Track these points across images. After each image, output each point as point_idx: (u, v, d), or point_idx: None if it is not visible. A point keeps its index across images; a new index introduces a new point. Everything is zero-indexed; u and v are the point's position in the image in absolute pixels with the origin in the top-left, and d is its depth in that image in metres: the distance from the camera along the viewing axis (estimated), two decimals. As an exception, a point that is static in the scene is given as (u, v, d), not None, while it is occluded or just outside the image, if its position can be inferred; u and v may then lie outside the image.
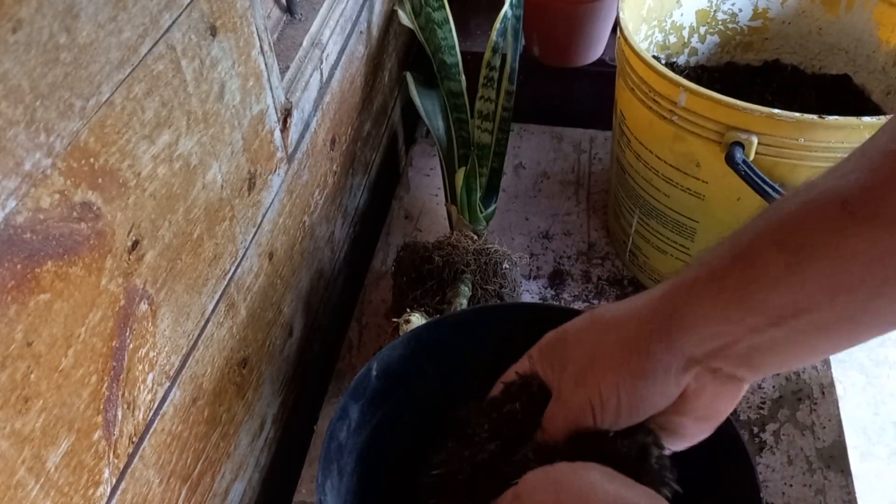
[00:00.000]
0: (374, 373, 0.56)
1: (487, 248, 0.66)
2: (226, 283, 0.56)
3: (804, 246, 0.34)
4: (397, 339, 0.58)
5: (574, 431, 0.44)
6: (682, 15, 0.83)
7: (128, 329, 0.43)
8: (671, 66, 0.85)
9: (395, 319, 0.63)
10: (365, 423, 0.56)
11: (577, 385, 0.44)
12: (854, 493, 0.67)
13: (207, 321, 0.54)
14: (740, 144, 0.62)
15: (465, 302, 0.63)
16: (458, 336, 0.60)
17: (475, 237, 0.69)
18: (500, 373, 0.64)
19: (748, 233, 0.37)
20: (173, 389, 0.50)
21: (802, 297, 0.35)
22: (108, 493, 0.44)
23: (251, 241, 0.60)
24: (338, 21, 0.74)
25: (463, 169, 0.80)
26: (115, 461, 0.44)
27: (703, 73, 0.86)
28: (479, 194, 0.80)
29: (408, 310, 0.63)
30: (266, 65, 0.57)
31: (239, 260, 0.58)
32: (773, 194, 0.62)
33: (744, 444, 0.52)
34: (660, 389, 0.40)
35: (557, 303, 0.82)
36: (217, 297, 0.55)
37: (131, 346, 0.44)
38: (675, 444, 0.45)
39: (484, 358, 0.62)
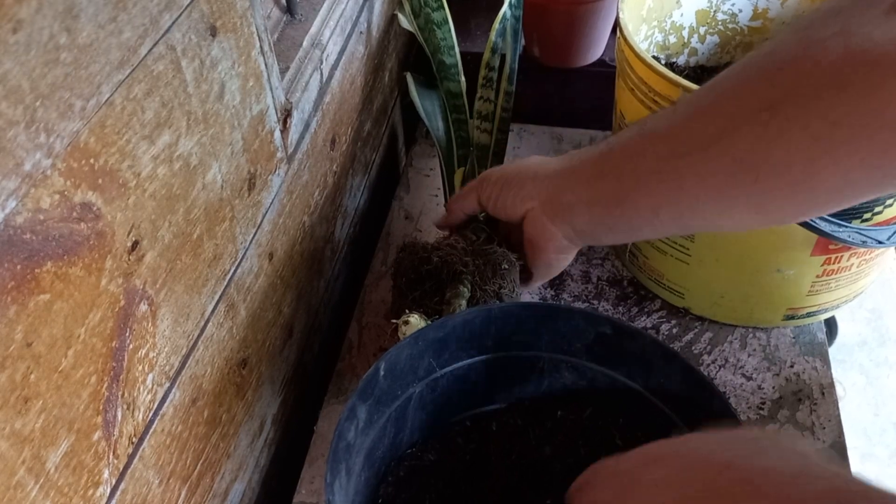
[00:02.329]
0: (381, 373, 0.56)
1: (486, 249, 0.66)
2: (226, 283, 0.56)
3: (615, 145, 0.57)
4: (405, 339, 0.58)
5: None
6: (681, 15, 0.83)
7: (127, 329, 0.43)
8: (671, 66, 0.85)
9: (393, 321, 0.63)
10: (373, 423, 0.57)
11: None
12: (854, 493, 0.67)
13: (207, 322, 0.54)
14: (740, 145, 0.62)
15: (463, 303, 0.63)
16: (465, 336, 0.60)
17: (474, 237, 0.69)
18: (506, 372, 0.64)
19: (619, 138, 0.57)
20: (173, 390, 0.50)
21: (607, 169, 0.56)
22: (107, 494, 0.44)
23: (251, 242, 0.60)
24: (338, 21, 0.74)
25: (462, 169, 0.80)
26: (115, 462, 0.44)
27: (703, 74, 0.86)
28: None
29: (406, 311, 0.63)
30: (266, 65, 0.57)
31: (239, 260, 0.58)
32: (773, 195, 0.62)
33: None
34: (508, 200, 0.63)
35: (557, 303, 0.82)
36: (217, 297, 0.55)
37: (131, 346, 0.44)
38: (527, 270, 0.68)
39: (490, 357, 0.63)
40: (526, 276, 0.68)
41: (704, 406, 0.56)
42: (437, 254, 0.67)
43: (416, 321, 0.61)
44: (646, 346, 0.59)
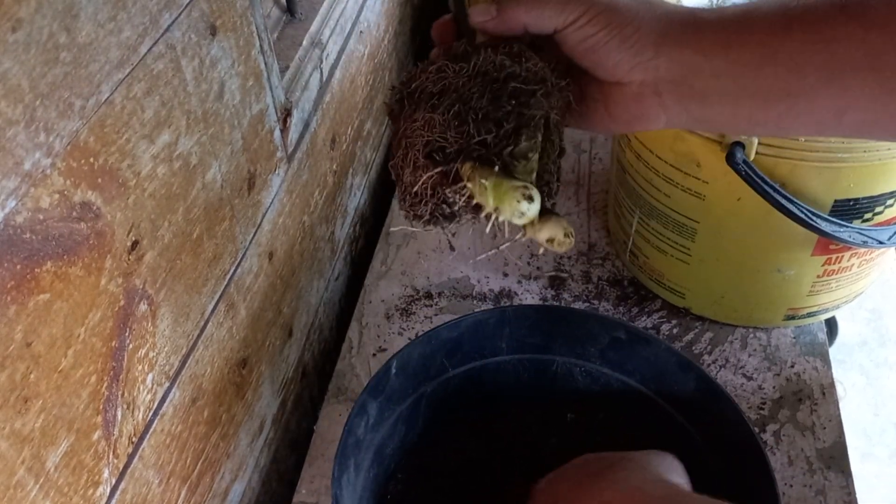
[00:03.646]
0: (393, 370, 0.56)
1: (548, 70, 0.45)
2: (225, 283, 0.56)
3: (797, 18, 0.40)
4: (417, 339, 0.58)
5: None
6: (682, 15, 0.83)
7: (127, 329, 0.43)
8: (671, 66, 0.85)
9: (449, 188, 0.42)
10: (383, 420, 0.57)
11: None
12: (854, 493, 0.67)
13: (207, 321, 0.54)
14: (741, 144, 0.62)
15: (535, 159, 0.43)
16: (478, 337, 0.60)
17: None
18: (518, 374, 0.64)
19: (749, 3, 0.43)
20: (173, 390, 0.50)
21: (782, 53, 0.40)
22: (107, 494, 0.44)
23: (251, 241, 0.59)
24: (338, 21, 0.74)
25: None
26: (115, 461, 0.44)
27: (704, 74, 0.86)
28: None
29: (461, 166, 0.42)
30: (266, 64, 0.57)
31: (239, 260, 0.58)
32: (774, 194, 0.62)
33: (765, 456, 0.52)
34: (613, 49, 0.43)
35: (558, 303, 0.82)
36: (217, 297, 0.55)
37: (131, 346, 0.44)
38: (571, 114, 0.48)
39: (503, 359, 0.63)
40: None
41: (717, 414, 0.56)
42: (503, 59, 0.44)
43: (497, 184, 0.41)
44: (660, 352, 0.59)
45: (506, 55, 0.43)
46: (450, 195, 0.42)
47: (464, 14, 0.46)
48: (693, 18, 0.42)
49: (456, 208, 0.43)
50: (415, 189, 0.43)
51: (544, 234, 0.41)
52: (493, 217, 0.41)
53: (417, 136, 0.43)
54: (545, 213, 0.41)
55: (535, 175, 0.42)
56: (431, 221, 0.45)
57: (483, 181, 0.40)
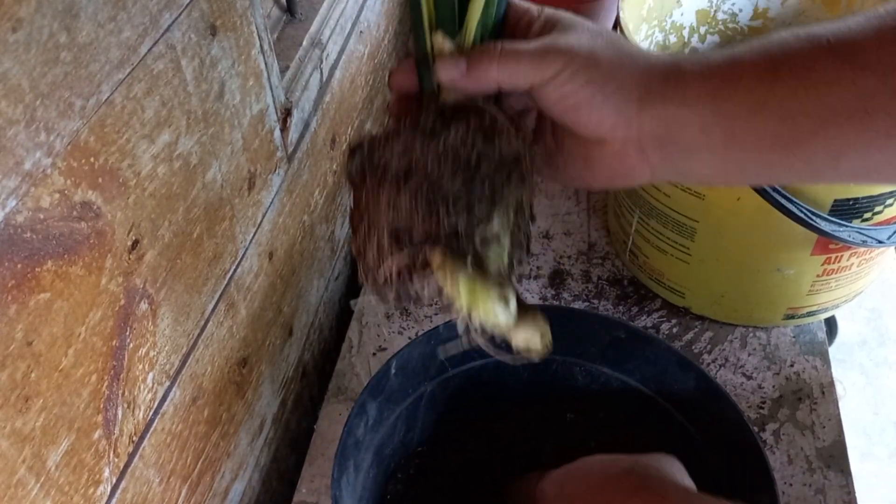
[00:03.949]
0: (393, 370, 0.56)
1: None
2: (226, 282, 0.56)
3: (785, 63, 0.38)
4: (417, 338, 0.58)
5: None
6: (682, 15, 0.83)
7: (128, 328, 0.43)
8: (671, 65, 0.85)
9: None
10: (383, 421, 0.57)
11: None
12: (854, 492, 0.67)
13: (207, 321, 0.54)
14: (740, 144, 0.62)
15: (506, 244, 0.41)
16: None
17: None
18: (518, 373, 0.63)
19: (737, 47, 0.40)
20: (173, 389, 0.50)
21: (772, 101, 0.38)
22: (108, 493, 0.44)
23: (251, 241, 0.60)
24: (338, 21, 0.74)
25: None
26: (116, 460, 0.44)
27: (704, 73, 0.86)
28: None
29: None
30: (266, 64, 0.57)
31: (239, 259, 0.58)
32: (774, 194, 0.62)
33: (764, 455, 0.52)
34: (595, 107, 0.40)
35: (557, 302, 0.82)
36: (217, 296, 0.55)
37: (131, 345, 0.44)
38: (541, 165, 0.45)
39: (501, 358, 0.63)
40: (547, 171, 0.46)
41: (717, 414, 0.56)
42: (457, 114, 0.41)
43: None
44: (660, 352, 0.59)
45: (477, 129, 0.40)
46: (416, 282, 0.40)
47: (427, 64, 0.41)
48: (677, 69, 0.40)
49: (424, 295, 0.41)
50: (379, 271, 0.40)
51: (519, 338, 0.41)
52: (464, 314, 0.40)
53: (382, 216, 0.40)
54: (522, 314, 0.40)
55: (506, 254, 0.41)
56: (397, 303, 0.42)
57: (454, 278, 0.38)
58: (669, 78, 0.39)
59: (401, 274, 0.40)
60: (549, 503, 0.51)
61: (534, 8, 0.42)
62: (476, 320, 0.40)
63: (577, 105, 0.39)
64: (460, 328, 0.41)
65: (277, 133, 0.62)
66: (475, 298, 0.39)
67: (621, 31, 0.70)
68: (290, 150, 0.66)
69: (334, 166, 0.80)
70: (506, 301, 0.39)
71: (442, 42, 0.41)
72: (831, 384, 0.74)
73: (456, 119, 0.40)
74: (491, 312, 0.39)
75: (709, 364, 0.76)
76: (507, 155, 0.40)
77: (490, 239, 0.40)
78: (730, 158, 0.40)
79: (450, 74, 0.41)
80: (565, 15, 0.42)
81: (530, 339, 0.41)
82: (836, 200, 0.64)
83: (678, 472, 0.49)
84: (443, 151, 0.39)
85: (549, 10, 0.42)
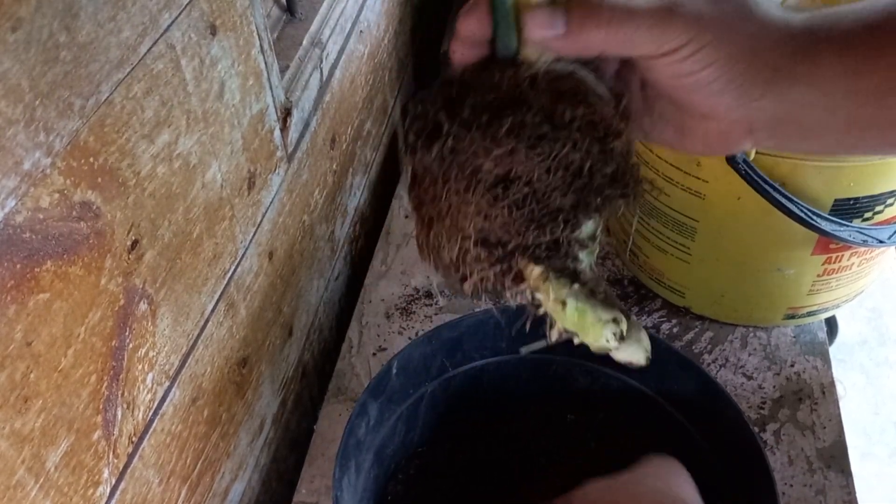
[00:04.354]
0: (394, 371, 0.56)
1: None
2: (225, 282, 0.56)
3: None
4: (417, 339, 0.58)
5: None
6: (682, 14, 0.83)
7: (127, 329, 0.43)
8: (671, 65, 0.85)
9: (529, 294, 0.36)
10: (384, 421, 0.57)
11: None
12: (854, 493, 0.67)
13: (207, 321, 0.54)
14: (741, 144, 0.62)
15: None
16: (478, 336, 0.60)
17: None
18: (519, 374, 0.63)
19: (876, 8, 0.34)
20: (173, 389, 0.50)
21: None
22: (107, 493, 0.44)
23: (251, 241, 0.59)
24: (338, 20, 0.74)
25: None
26: (115, 461, 0.44)
27: (704, 73, 0.86)
28: None
29: (526, 260, 0.35)
30: (266, 64, 0.57)
31: (239, 259, 0.58)
32: (774, 194, 0.62)
33: (765, 456, 0.52)
34: (716, 90, 0.34)
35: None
36: (217, 296, 0.55)
37: (131, 345, 0.44)
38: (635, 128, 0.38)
39: (503, 359, 0.63)
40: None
41: (718, 414, 0.56)
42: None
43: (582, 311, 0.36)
44: (660, 352, 0.59)
45: (589, 128, 0.33)
46: (507, 292, 0.36)
47: (506, 16, 0.34)
48: (810, 39, 0.34)
49: (510, 299, 0.37)
50: (458, 272, 0.36)
51: (622, 355, 0.38)
52: (560, 328, 0.36)
53: (469, 221, 0.34)
54: (627, 332, 0.37)
55: (595, 255, 0.37)
56: (472, 294, 0.37)
57: (558, 298, 0.35)
58: (800, 52, 0.34)
59: (485, 279, 0.36)
60: None
61: None
62: (581, 340, 0.37)
63: (694, 86, 0.34)
64: (550, 333, 0.37)
65: (277, 133, 0.62)
66: (584, 324, 0.36)
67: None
68: (290, 149, 0.65)
69: (334, 166, 0.80)
70: (616, 325, 0.36)
71: None
72: (832, 384, 0.74)
73: (556, 99, 0.33)
74: (601, 339, 0.36)
75: (709, 364, 0.76)
76: (623, 167, 0.35)
77: (584, 241, 0.36)
78: (849, 136, 0.36)
79: (544, 32, 0.33)
80: None
81: (633, 355, 0.38)
82: (836, 200, 0.64)
83: (685, 483, 0.48)
84: (552, 163, 0.33)
85: None
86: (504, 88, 0.33)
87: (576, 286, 0.35)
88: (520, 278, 0.35)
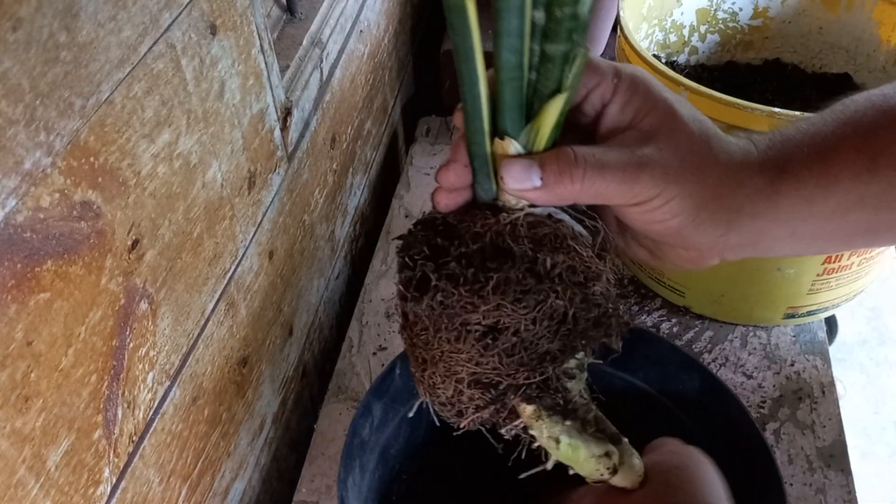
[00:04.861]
0: (397, 371, 0.56)
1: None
2: (226, 282, 0.56)
3: (882, 153, 0.35)
4: None
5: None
6: (682, 14, 0.83)
7: (128, 328, 0.43)
8: (671, 65, 0.85)
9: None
10: (387, 421, 0.57)
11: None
12: (854, 492, 0.67)
13: (207, 320, 0.54)
14: (741, 143, 0.62)
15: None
16: None
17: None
18: None
19: (826, 134, 0.37)
20: (173, 388, 0.50)
21: (869, 196, 0.36)
22: (108, 493, 0.44)
23: (251, 240, 0.60)
24: (338, 20, 0.74)
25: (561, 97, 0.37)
26: (116, 460, 0.44)
27: (704, 72, 0.86)
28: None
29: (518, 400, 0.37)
30: (266, 63, 0.57)
31: (239, 259, 0.58)
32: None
33: (771, 453, 0.52)
34: (683, 233, 0.36)
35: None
36: (217, 296, 0.55)
37: (131, 345, 0.44)
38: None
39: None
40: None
41: (722, 412, 0.56)
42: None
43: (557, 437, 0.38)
44: (663, 351, 0.59)
45: (571, 276, 0.35)
46: (502, 429, 0.38)
47: (485, 168, 0.35)
48: (770, 179, 0.36)
49: (505, 434, 0.39)
50: (457, 409, 0.38)
51: (616, 481, 0.39)
52: (554, 457, 0.38)
53: (461, 366, 0.36)
54: (620, 462, 0.39)
55: (585, 381, 0.39)
56: (470, 428, 0.39)
57: (553, 438, 0.37)
58: (760, 192, 0.36)
59: (481, 416, 0.38)
60: None
61: (609, 73, 0.36)
62: (575, 472, 0.39)
63: (663, 229, 0.37)
64: (546, 462, 0.40)
65: (277, 132, 0.62)
66: (577, 459, 0.38)
67: (622, 30, 0.70)
68: (291, 149, 0.65)
69: (334, 165, 0.80)
70: (609, 459, 0.38)
71: (508, 147, 0.35)
72: (831, 383, 0.74)
73: (537, 247, 0.35)
74: (595, 473, 0.38)
75: (709, 363, 0.76)
76: (605, 309, 0.37)
77: (573, 373, 0.38)
78: (813, 247, 0.39)
79: (521, 184, 0.35)
80: (651, 91, 0.36)
81: (625, 481, 0.39)
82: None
83: (713, 481, 0.44)
84: (538, 314, 0.34)
85: (627, 78, 0.36)
86: (487, 237, 0.35)
87: (568, 423, 0.37)
88: (514, 415, 0.37)
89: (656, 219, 0.36)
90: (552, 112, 0.34)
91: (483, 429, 0.39)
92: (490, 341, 0.35)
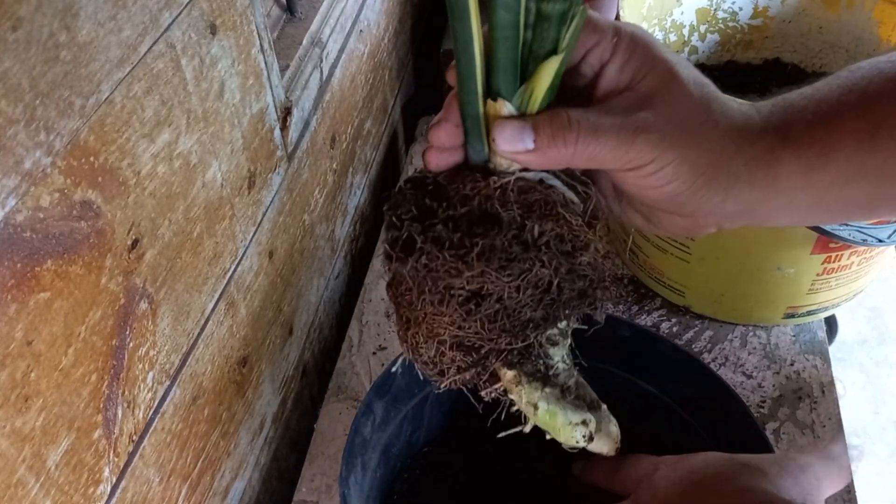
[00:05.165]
0: (398, 370, 0.56)
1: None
2: (226, 281, 0.56)
3: (884, 122, 0.34)
4: None
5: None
6: (682, 13, 0.83)
7: (128, 328, 0.43)
8: (671, 64, 0.85)
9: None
10: (389, 420, 0.57)
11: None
12: (854, 491, 0.67)
13: (207, 320, 0.54)
14: (740, 143, 0.62)
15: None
16: None
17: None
18: None
19: (831, 100, 0.36)
20: (173, 388, 0.50)
21: (869, 166, 0.35)
22: (108, 492, 0.44)
23: (251, 240, 0.60)
24: (338, 19, 0.74)
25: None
26: (116, 460, 0.44)
27: (704, 72, 0.86)
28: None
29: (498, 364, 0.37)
30: (266, 63, 0.57)
31: (239, 259, 0.58)
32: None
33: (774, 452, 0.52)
34: (679, 198, 0.36)
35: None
36: (217, 295, 0.55)
37: (131, 344, 0.44)
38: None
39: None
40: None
41: (725, 412, 0.56)
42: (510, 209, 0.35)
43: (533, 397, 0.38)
44: (665, 350, 0.59)
45: (559, 243, 0.35)
46: (482, 389, 0.39)
47: (477, 128, 0.35)
48: (770, 145, 0.35)
49: (485, 395, 0.39)
50: (438, 369, 0.38)
51: (594, 447, 0.39)
52: (532, 422, 0.38)
53: (443, 328, 0.36)
54: (597, 430, 0.39)
55: (568, 349, 0.39)
56: (450, 386, 0.39)
57: (532, 403, 0.37)
58: (759, 158, 0.36)
59: (462, 377, 0.38)
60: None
61: (608, 32, 0.35)
62: (552, 437, 0.39)
63: (658, 195, 0.36)
64: (525, 425, 0.40)
65: (277, 132, 0.62)
66: (555, 425, 0.38)
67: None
68: (290, 149, 0.65)
69: (334, 165, 0.80)
70: (585, 427, 0.38)
71: (501, 108, 0.34)
72: (831, 383, 0.74)
73: (525, 213, 0.34)
74: (571, 440, 0.38)
75: (709, 363, 0.76)
76: (592, 280, 0.37)
77: (556, 340, 0.38)
78: (810, 217, 0.39)
79: (513, 146, 0.34)
80: (651, 51, 0.35)
81: (602, 448, 0.40)
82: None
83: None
84: (521, 283, 0.34)
85: (626, 37, 0.35)
86: (475, 201, 0.35)
87: (547, 389, 0.37)
88: (495, 378, 0.37)
89: (651, 184, 0.35)
90: (547, 73, 0.33)
91: (464, 388, 0.39)
92: (473, 307, 0.35)
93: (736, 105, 0.37)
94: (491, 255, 0.34)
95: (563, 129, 0.34)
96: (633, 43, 0.35)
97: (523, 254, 0.34)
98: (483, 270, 0.34)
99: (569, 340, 0.39)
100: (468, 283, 0.34)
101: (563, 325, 0.37)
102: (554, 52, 0.33)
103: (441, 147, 0.36)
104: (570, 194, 0.36)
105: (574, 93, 0.37)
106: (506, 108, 0.34)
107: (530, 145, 0.34)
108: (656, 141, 0.34)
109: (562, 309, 0.36)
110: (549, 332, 0.37)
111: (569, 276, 0.35)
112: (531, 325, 0.35)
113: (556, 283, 0.35)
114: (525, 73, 0.34)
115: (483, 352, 0.36)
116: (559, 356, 0.38)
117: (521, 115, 0.34)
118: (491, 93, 0.34)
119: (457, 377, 0.37)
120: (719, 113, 0.36)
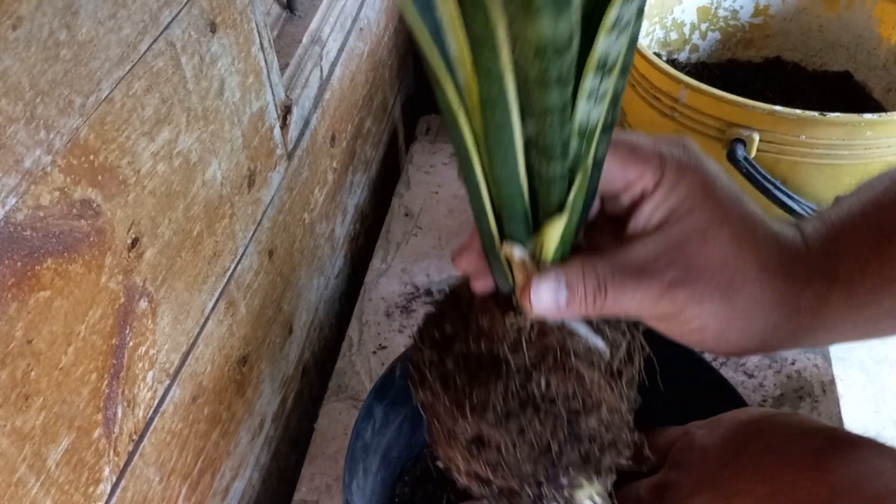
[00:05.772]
0: (397, 373, 0.56)
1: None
2: (226, 280, 0.56)
3: None
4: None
5: None
6: (683, 12, 0.83)
7: (128, 327, 0.43)
8: (672, 62, 0.85)
9: None
10: (389, 423, 0.57)
11: None
12: (855, 490, 0.67)
13: (207, 319, 0.54)
14: (742, 141, 0.62)
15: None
16: None
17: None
18: None
19: (882, 224, 0.33)
20: (173, 387, 0.50)
21: None
22: (108, 491, 0.44)
23: (251, 239, 0.59)
24: (338, 18, 0.74)
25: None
26: (116, 459, 0.44)
27: (705, 70, 0.86)
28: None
29: None
30: (266, 61, 0.57)
31: (239, 257, 0.58)
32: (775, 191, 0.62)
33: None
34: (712, 338, 0.34)
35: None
36: (217, 294, 0.55)
37: (131, 343, 0.44)
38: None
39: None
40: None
41: (727, 411, 0.55)
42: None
43: None
44: (666, 350, 0.59)
45: (564, 415, 0.33)
46: None
47: (499, 265, 0.33)
48: (817, 294, 0.33)
49: None
50: (464, 483, 0.38)
51: None
52: None
53: (457, 459, 0.36)
54: None
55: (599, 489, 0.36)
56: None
57: None
58: (804, 308, 0.33)
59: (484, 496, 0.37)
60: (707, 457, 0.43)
61: (652, 162, 0.33)
62: None
63: (691, 340, 0.35)
64: None
65: (277, 131, 0.62)
66: None
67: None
68: (290, 147, 0.65)
69: (334, 164, 0.80)
70: None
71: (512, 252, 0.33)
72: (832, 382, 0.74)
73: (538, 360, 0.33)
74: None
75: (709, 362, 0.76)
76: (603, 444, 0.35)
77: (579, 483, 0.35)
78: (860, 339, 0.36)
79: (546, 307, 0.32)
80: (694, 185, 0.33)
81: None
82: (837, 198, 0.64)
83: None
84: (518, 441, 0.33)
85: (672, 167, 0.33)
86: (487, 341, 0.34)
87: None
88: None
89: (673, 331, 0.34)
90: (554, 231, 0.32)
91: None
92: (475, 450, 0.34)
93: (781, 240, 0.34)
94: (484, 411, 0.33)
95: (593, 284, 0.32)
96: (679, 175, 0.33)
97: (520, 410, 0.33)
98: (478, 422, 0.33)
99: (609, 478, 0.36)
100: (469, 429, 0.34)
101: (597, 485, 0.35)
102: (561, 208, 0.31)
103: (469, 273, 0.36)
104: (596, 340, 0.34)
105: (612, 217, 0.36)
106: (517, 252, 0.33)
107: (563, 305, 0.33)
108: (694, 294, 0.32)
109: (561, 471, 0.34)
110: (562, 480, 0.35)
111: (570, 440, 0.34)
112: (533, 479, 0.34)
113: (554, 448, 0.33)
114: (537, 220, 0.32)
115: (494, 488, 0.35)
116: (585, 495, 0.36)
117: (553, 268, 0.33)
118: (503, 234, 0.33)
119: (477, 493, 0.37)
120: (758, 255, 0.33)
